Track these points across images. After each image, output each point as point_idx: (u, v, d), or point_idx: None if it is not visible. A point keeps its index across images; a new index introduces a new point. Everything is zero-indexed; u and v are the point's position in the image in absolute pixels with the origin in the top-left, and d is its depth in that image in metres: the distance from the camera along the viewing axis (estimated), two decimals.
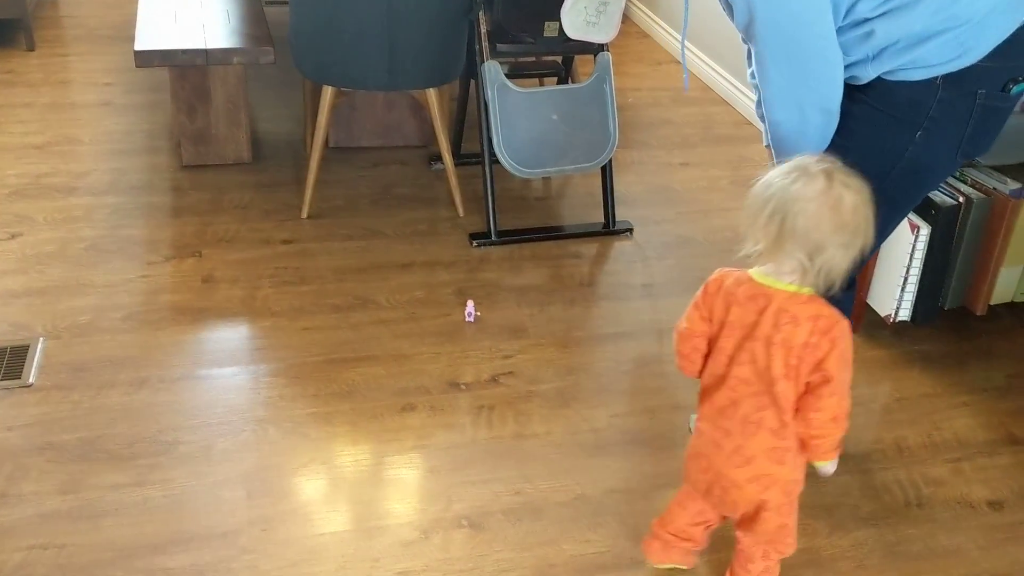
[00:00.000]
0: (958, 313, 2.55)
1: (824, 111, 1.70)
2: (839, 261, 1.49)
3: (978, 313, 2.47)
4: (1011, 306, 2.63)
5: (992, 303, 2.55)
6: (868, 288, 2.54)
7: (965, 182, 2.44)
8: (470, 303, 2.59)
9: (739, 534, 1.75)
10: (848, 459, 2.15)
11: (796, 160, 1.52)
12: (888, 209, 1.69)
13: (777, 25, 1.63)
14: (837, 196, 1.46)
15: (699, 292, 1.65)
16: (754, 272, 1.58)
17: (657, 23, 4.85)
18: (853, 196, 1.48)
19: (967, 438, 2.25)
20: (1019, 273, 2.57)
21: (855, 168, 1.61)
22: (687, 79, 2.13)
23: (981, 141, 1.73)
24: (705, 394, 1.66)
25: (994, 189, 2.40)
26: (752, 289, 1.56)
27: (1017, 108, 2.61)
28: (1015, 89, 1.68)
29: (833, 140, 1.74)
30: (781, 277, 1.54)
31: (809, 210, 1.46)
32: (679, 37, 4.59)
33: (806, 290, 1.53)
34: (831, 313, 1.54)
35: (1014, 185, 2.40)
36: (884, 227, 1.79)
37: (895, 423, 2.28)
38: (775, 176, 1.51)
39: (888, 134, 1.68)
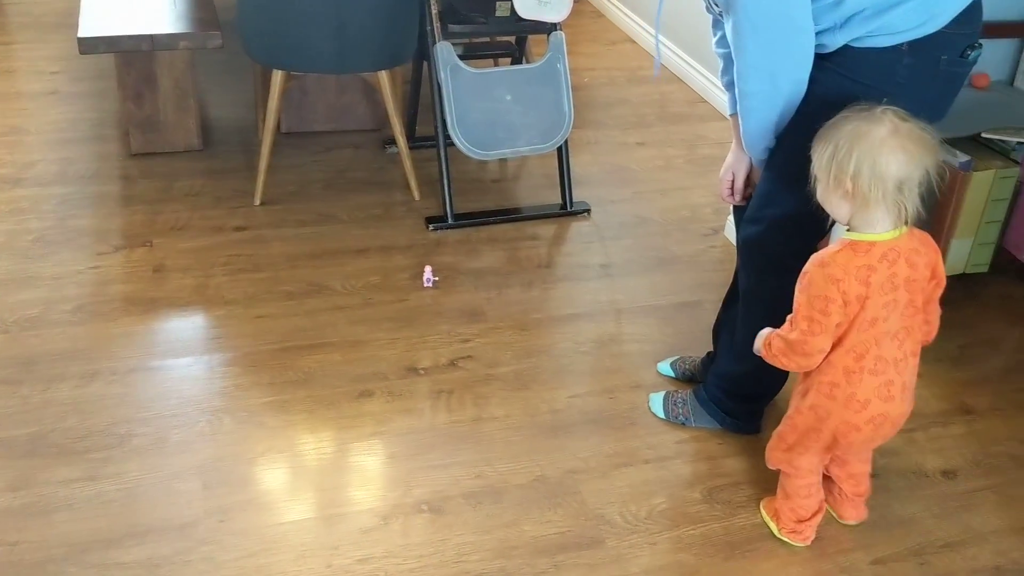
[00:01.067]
0: None
1: (796, 81, 1.72)
2: (920, 185, 1.57)
3: None
4: (962, 277, 2.67)
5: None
6: None
7: None
8: (428, 269, 2.60)
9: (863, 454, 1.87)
10: None
11: (845, 117, 1.57)
12: None
13: None
14: (906, 128, 1.54)
15: (823, 286, 1.61)
16: (855, 236, 1.61)
17: (611, 2, 4.83)
18: (912, 122, 1.55)
19: (920, 408, 2.27)
20: (970, 245, 2.60)
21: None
22: (658, 65, 2.13)
23: (941, 106, 1.77)
24: (847, 371, 1.66)
25: (944, 162, 2.41)
26: (880, 249, 1.60)
27: (967, 83, 2.65)
28: (972, 55, 1.72)
29: (800, 108, 1.75)
30: (875, 227, 1.60)
31: (895, 149, 1.53)
32: (634, 16, 4.58)
33: (903, 228, 1.61)
34: (922, 229, 1.65)
35: (963, 157, 2.43)
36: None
37: None
38: (840, 138, 1.55)
39: (856, 101, 1.68)
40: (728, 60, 1.89)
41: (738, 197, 2.04)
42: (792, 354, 1.68)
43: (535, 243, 2.89)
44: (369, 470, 2.03)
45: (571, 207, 3.05)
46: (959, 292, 2.70)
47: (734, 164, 2.02)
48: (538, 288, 2.67)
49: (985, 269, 2.67)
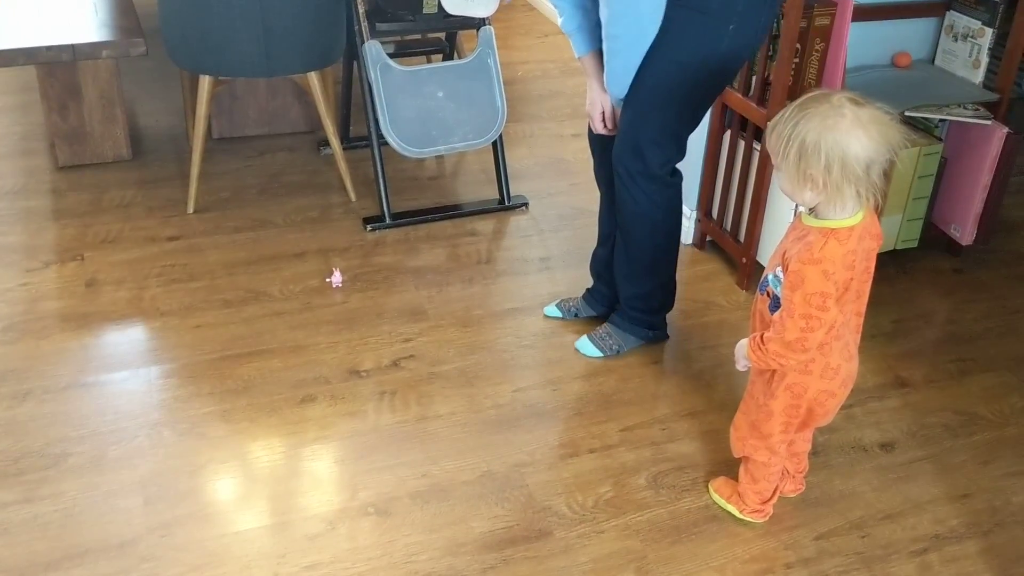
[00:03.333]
0: None
1: (657, 22, 1.94)
2: (885, 165, 1.58)
3: None
4: (893, 254, 2.72)
5: None
6: (757, 245, 2.59)
7: None
8: (336, 271, 2.62)
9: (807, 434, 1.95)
10: None
11: (802, 111, 1.55)
12: (701, 102, 2.09)
13: None
14: (866, 113, 1.54)
15: (820, 283, 1.59)
16: (833, 224, 1.60)
17: None
18: (869, 106, 1.55)
19: (858, 384, 2.28)
20: (899, 221, 2.66)
21: (681, 66, 1.97)
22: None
23: (767, 31, 2.06)
24: (820, 345, 1.67)
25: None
26: (856, 232, 1.61)
27: (889, 62, 2.70)
28: None
29: (657, 43, 1.97)
30: (846, 211, 1.60)
31: (861, 137, 1.52)
32: None
33: (866, 207, 1.63)
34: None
35: None
36: (696, 119, 2.12)
37: None
38: (805, 134, 1.54)
39: (707, 31, 1.94)
40: (572, 7, 2.10)
41: (611, 124, 2.21)
42: (791, 353, 1.66)
43: (474, 239, 2.89)
44: (314, 476, 2.01)
45: (509, 201, 3.05)
46: (891, 268, 2.76)
47: (600, 98, 2.19)
48: (479, 284, 2.67)
49: (915, 244, 2.73)
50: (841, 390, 1.76)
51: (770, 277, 1.70)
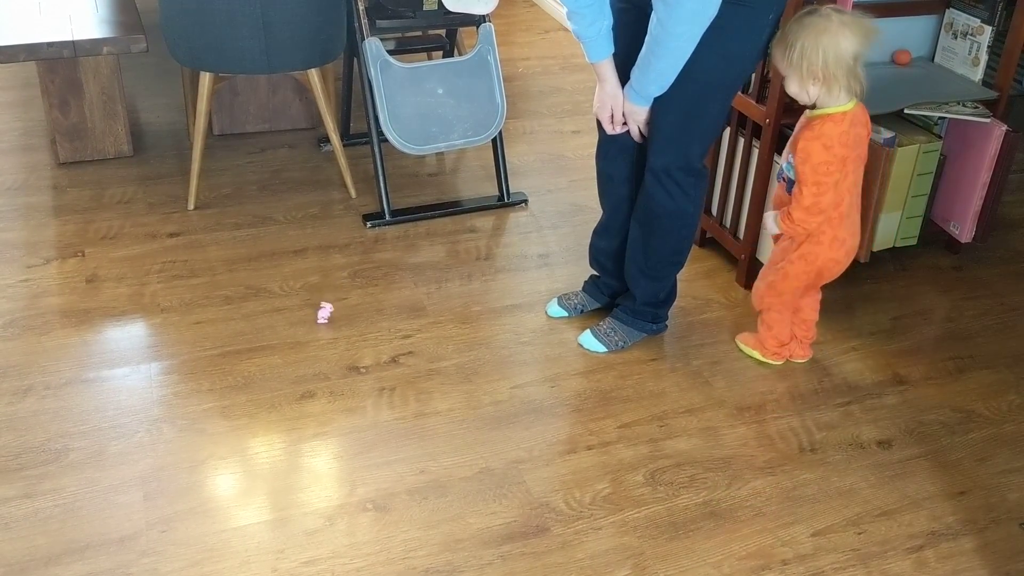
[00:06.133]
0: None
1: (712, 18, 1.95)
2: (865, 57, 2.01)
3: (861, 260, 2.55)
4: (893, 251, 2.72)
5: (874, 249, 2.63)
6: (756, 242, 2.60)
7: None
8: (327, 307, 2.49)
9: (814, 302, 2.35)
10: (744, 410, 2.21)
11: (798, 19, 1.99)
12: (738, 91, 2.21)
13: None
14: (847, 17, 1.97)
15: (822, 154, 2.02)
16: (828, 111, 2.04)
17: None
18: (848, 13, 1.98)
19: (856, 381, 2.33)
20: (898, 219, 2.66)
21: (729, 60, 2.03)
22: None
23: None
24: (829, 219, 2.10)
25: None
26: (848, 117, 2.04)
27: (889, 60, 2.70)
28: None
29: (704, 39, 1.98)
30: (839, 101, 2.03)
31: (847, 33, 1.96)
32: None
33: (855, 100, 2.06)
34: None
35: (887, 134, 2.48)
36: (728, 106, 2.16)
37: (787, 372, 2.35)
38: (803, 38, 1.97)
39: (751, 22, 2.01)
40: (595, 13, 2.06)
41: (619, 127, 2.21)
42: (810, 216, 2.08)
43: (474, 236, 2.89)
44: (313, 471, 2.02)
45: (508, 198, 3.05)
46: (890, 266, 2.76)
47: (612, 99, 2.17)
48: (478, 281, 2.67)
49: (914, 242, 2.72)
50: (845, 259, 2.18)
51: (784, 165, 2.13)
